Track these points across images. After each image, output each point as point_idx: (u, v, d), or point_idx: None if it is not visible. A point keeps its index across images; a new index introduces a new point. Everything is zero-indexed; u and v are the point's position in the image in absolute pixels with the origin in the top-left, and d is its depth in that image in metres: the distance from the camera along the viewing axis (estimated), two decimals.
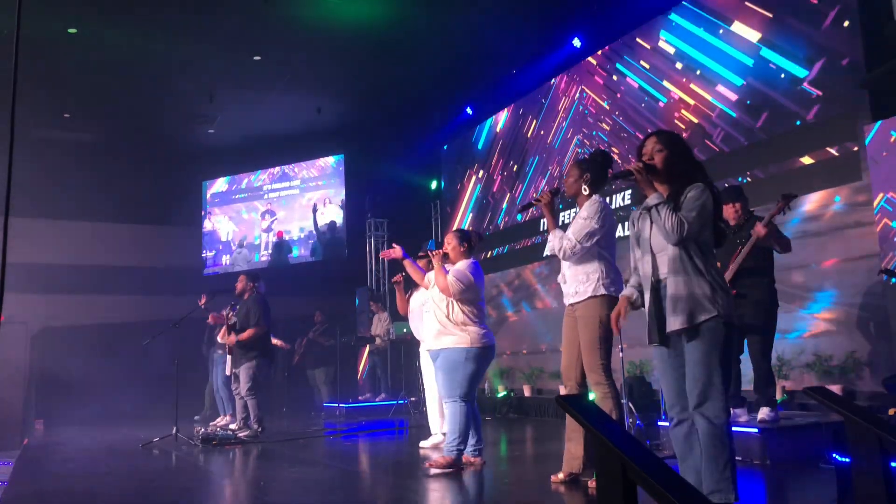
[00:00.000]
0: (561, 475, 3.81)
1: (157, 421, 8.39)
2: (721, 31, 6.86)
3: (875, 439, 2.54)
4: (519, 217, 9.94)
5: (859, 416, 2.64)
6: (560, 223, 3.88)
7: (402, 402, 9.22)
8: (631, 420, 5.27)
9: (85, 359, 10.66)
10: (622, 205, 7.95)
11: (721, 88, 6.90)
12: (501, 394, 9.23)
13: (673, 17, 7.48)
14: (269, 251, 12.85)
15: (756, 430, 4.38)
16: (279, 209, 12.89)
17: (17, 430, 10.12)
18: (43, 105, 9.79)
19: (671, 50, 7.51)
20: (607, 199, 6.24)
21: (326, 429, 7.88)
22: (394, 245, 5.08)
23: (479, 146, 11.08)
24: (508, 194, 10.26)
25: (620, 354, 5.10)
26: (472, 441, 4.60)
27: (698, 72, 7.14)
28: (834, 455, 2.90)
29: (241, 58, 9.13)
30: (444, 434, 5.06)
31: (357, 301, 11.97)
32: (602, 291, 3.69)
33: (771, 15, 6.40)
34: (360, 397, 10.40)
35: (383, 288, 11.96)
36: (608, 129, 8.42)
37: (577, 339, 3.77)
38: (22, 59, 2.07)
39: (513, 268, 9.98)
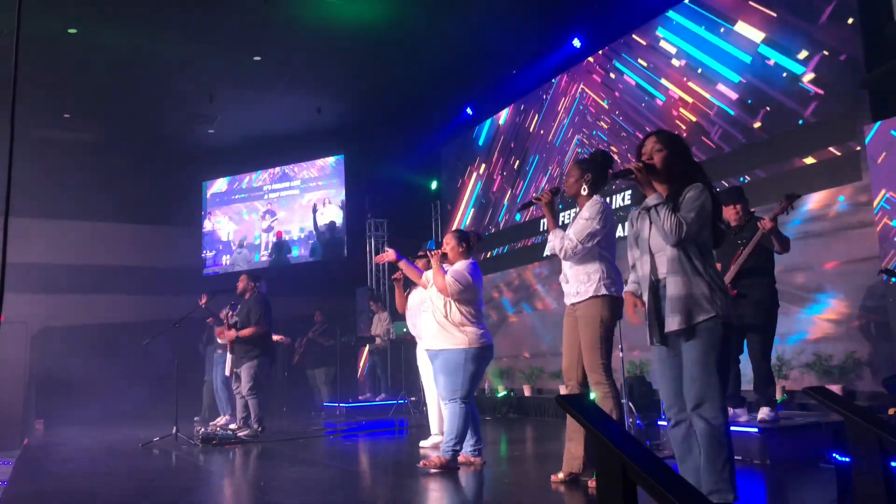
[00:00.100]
0: (561, 475, 3.81)
1: (157, 421, 8.39)
2: (722, 30, 6.86)
3: (875, 439, 2.54)
4: (518, 217, 9.94)
5: (859, 416, 2.64)
6: (559, 223, 3.87)
7: (402, 401, 9.23)
8: (631, 420, 5.27)
9: (85, 359, 10.66)
10: (622, 205, 7.95)
11: (721, 87, 6.90)
12: (501, 394, 9.23)
13: (673, 15, 7.48)
14: (269, 251, 12.85)
15: (756, 429, 4.38)
16: (279, 209, 12.90)
17: (17, 430, 10.13)
18: (43, 105, 9.79)
19: (672, 49, 7.51)
20: (607, 200, 6.24)
21: (326, 428, 7.88)
22: (386, 249, 5.10)
23: (480, 142, 11.08)
24: (509, 192, 10.26)
25: (620, 354, 5.10)
26: (471, 441, 4.60)
27: (699, 70, 7.14)
28: (834, 455, 2.90)
29: (241, 58, 9.13)
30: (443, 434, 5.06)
31: (357, 301, 11.98)
32: (603, 291, 3.69)
33: (773, 14, 6.40)
34: (360, 397, 10.40)
35: (383, 288, 11.96)
36: (608, 128, 8.42)
37: (578, 338, 3.77)
38: (22, 59, 2.07)
39: (513, 268, 9.98)
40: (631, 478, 1.79)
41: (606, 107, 8.46)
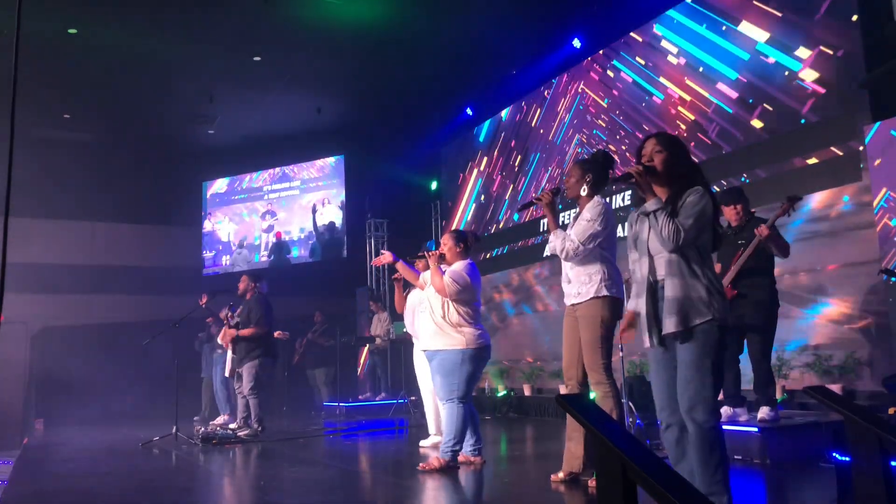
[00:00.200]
0: (561, 474, 3.81)
1: (157, 421, 8.40)
2: (724, 28, 6.86)
3: (875, 439, 2.54)
4: (516, 217, 9.94)
5: (859, 415, 2.64)
6: (560, 223, 3.87)
7: (402, 401, 9.23)
8: (631, 420, 5.27)
9: (85, 359, 10.66)
10: (622, 205, 7.95)
11: (721, 86, 6.91)
12: (501, 393, 9.23)
13: (674, 14, 7.49)
14: (269, 252, 12.86)
15: (756, 429, 4.38)
16: (279, 210, 12.90)
17: (17, 430, 10.14)
18: (43, 105, 9.79)
19: (672, 48, 7.52)
20: (607, 200, 6.24)
21: (326, 428, 7.88)
22: (382, 252, 5.10)
23: (481, 138, 11.06)
24: (509, 192, 10.25)
25: (620, 354, 5.10)
26: (471, 440, 4.60)
27: (700, 69, 7.14)
28: (834, 455, 2.90)
29: (241, 58, 9.13)
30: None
31: (357, 301, 11.99)
32: (604, 293, 3.69)
33: (777, 13, 6.39)
34: (359, 396, 10.41)
35: (383, 288, 11.96)
36: (609, 127, 8.42)
37: (578, 338, 3.77)
38: (22, 59, 2.07)
39: (513, 268, 9.98)
40: (631, 478, 1.79)
41: (606, 106, 8.47)
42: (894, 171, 5.17)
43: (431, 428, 5.86)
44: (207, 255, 13.22)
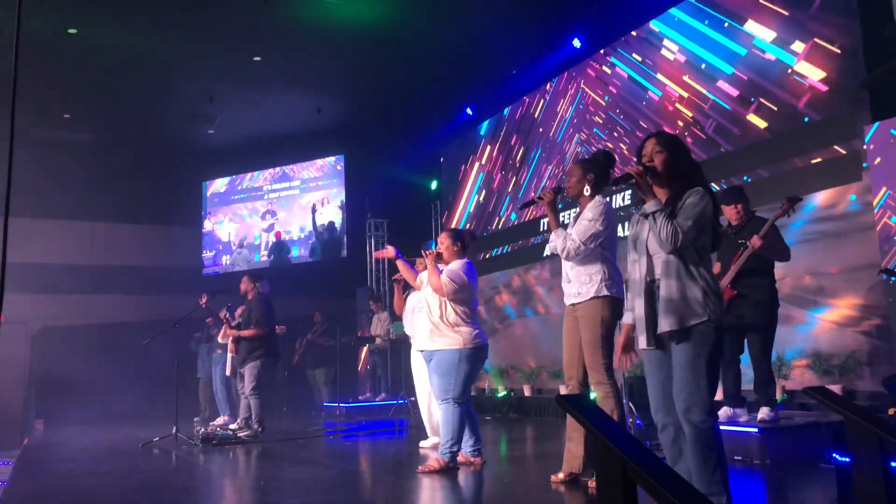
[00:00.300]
0: (561, 475, 3.81)
1: (157, 421, 8.40)
2: (726, 25, 6.86)
3: (875, 439, 2.54)
4: (513, 217, 9.93)
5: (859, 416, 2.63)
6: (560, 223, 3.86)
7: (402, 401, 9.23)
8: (631, 420, 5.26)
9: (85, 359, 10.67)
10: (622, 205, 7.95)
11: (719, 82, 6.91)
12: (501, 394, 9.23)
13: (675, 12, 7.49)
14: (269, 251, 12.86)
15: (756, 430, 4.37)
16: (279, 209, 12.90)
17: (17, 430, 10.15)
18: (43, 105, 9.79)
19: (673, 46, 7.53)
20: (608, 200, 6.24)
21: (326, 429, 7.88)
22: (387, 245, 5.09)
23: (482, 132, 11.03)
24: (510, 191, 10.25)
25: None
26: (470, 441, 4.60)
27: (702, 66, 7.14)
28: (834, 455, 2.90)
29: (241, 58, 9.14)
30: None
31: (357, 301, 11.99)
32: (605, 293, 3.69)
33: (771, 6, 6.40)
34: (360, 397, 10.41)
35: (383, 288, 11.96)
36: (609, 126, 8.42)
37: (579, 338, 3.77)
38: (22, 59, 2.07)
39: (513, 268, 9.98)
40: (631, 478, 1.79)
41: (605, 104, 8.47)
42: (894, 170, 5.17)
43: (428, 430, 5.86)
44: (207, 254, 13.22)
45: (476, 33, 8.68)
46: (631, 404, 5.32)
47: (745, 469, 4.15)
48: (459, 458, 4.52)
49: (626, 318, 3.02)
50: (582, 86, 8.93)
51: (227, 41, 8.70)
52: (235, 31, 8.43)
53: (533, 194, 9.30)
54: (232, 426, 7.29)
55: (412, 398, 9.27)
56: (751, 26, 6.62)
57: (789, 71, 6.23)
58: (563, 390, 4.12)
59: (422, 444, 5.77)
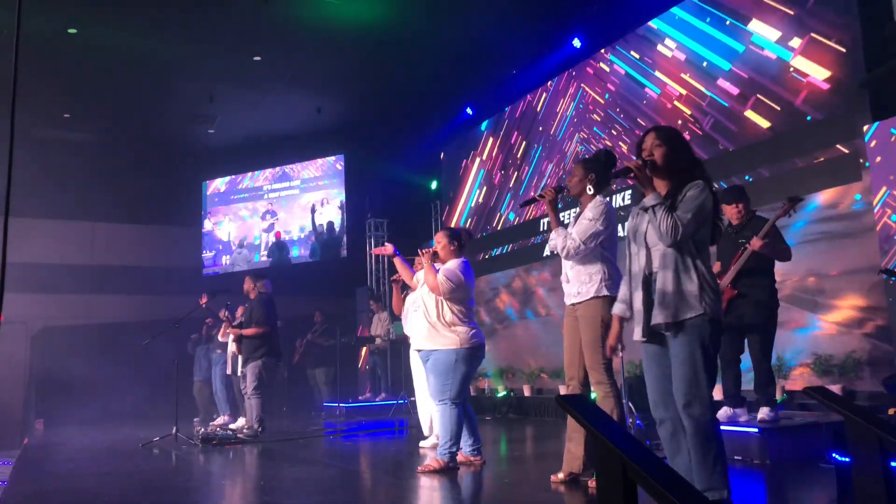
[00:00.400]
0: (561, 475, 3.81)
1: (157, 421, 8.40)
2: (728, 23, 6.86)
3: (875, 439, 2.54)
4: (511, 216, 9.93)
5: (859, 416, 2.63)
6: (561, 222, 3.86)
7: (402, 401, 9.23)
8: (631, 420, 5.26)
9: (85, 359, 10.67)
10: (622, 205, 7.95)
11: (718, 79, 6.92)
12: (501, 394, 9.23)
13: (676, 11, 7.50)
14: (269, 251, 12.86)
15: (756, 430, 4.37)
16: (279, 209, 12.90)
17: (17, 430, 10.15)
18: (43, 105, 9.80)
19: (671, 43, 7.53)
20: (609, 199, 6.25)
21: (326, 428, 7.88)
22: (386, 244, 5.10)
23: (483, 127, 11.03)
24: (513, 180, 10.24)
25: (621, 354, 5.09)
26: (469, 441, 4.59)
27: (704, 63, 7.14)
28: (834, 455, 2.89)
29: (241, 58, 9.14)
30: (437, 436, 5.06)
31: (357, 301, 11.98)
32: (605, 292, 3.68)
33: (770, 2, 6.40)
34: (359, 397, 10.40)
35: (383, 288, 11.96)
36: (609, 126, 8.43)
37: (579, 338, 3.77)
38: (22, 59, 2.07)
39: (513, 268, 9.97)
40: (631, 478, 1.79)
41: (604, 102, 8.48)
42: (894, 170, 5.17)
43: (426, 429, 5.86)
44: (207, 254, 13.22)
45: (476, 33, 8.68)
46: (631, 404, 5.32)
47: (745, 469, 4.15)
48: (459, 458, 4.52)
49: (616, 309, 3.03)
50: (582, 85, 8.93)
51: (227, 41, 8.70)
52: (235, 31, 8.44)
53: (533, 193, 9.32)
54: (232, 426, 7.29)
55: (412, 398, 9.29)
56: (750, 24, 6.62)
57: (791, 70, 6.22)
58: (563, 390, 4.12)
59: (422, 444, 5.77)
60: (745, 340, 4.63)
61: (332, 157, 12.51)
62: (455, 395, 4.42)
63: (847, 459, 2.72)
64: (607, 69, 8.46)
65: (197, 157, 12.62)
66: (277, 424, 8.39)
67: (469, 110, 10.97)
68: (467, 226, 10.92)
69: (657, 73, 7.68)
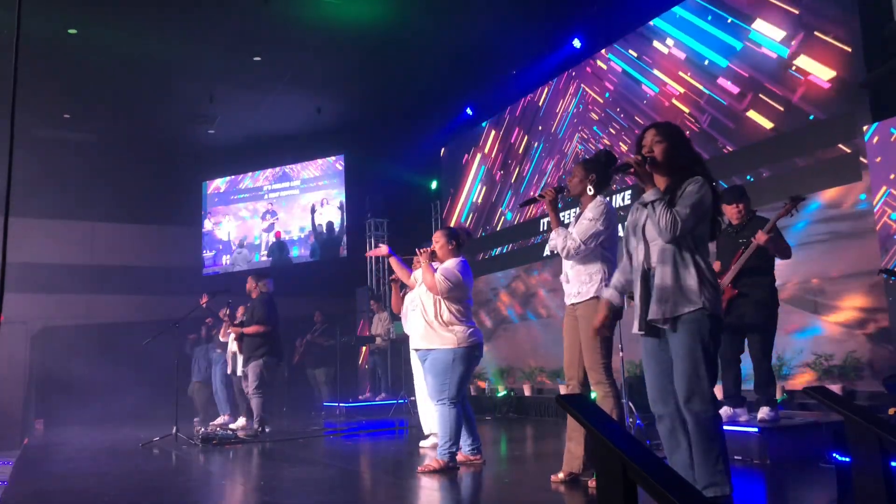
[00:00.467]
0: (561, 475, 3.81)
1: (157, 421, 8.40)
2: (729, 21, 6.86)
3: (875, 439, 2.54)
4: (509, 216, 9.92)
5: (859, 415, 2.63)
6: (561, 221, 3.87)
7: (402, 401, 9.23)
8: (631, 420, 5.26)
9: (85, 359, 10.66)
10: (622, 204, 7.95)
11: (721, 80, 6.92)
12: (501, 394, 9.23)
13: (677, 10, 7.50)
14: (269, 251, 12.86)
15: (756, 429, 4.37)
16: (279, 209, 12.91)
17: (17, 430, 10.15)
18: (43, 105, 9.80)
19: (669, 41, 7.54)
20: (609, 199, 6.26)
21: (326, 428, 7.88)
22: (380, 244, 5.10)
23: (484, 124, 11.02)
24: (515, 176, 10.24)
25: (620, 354, 5.10)
26: (468, 441, 4.59)
27: (706, 62, 7.14)
28: (834, 455, 2.89)
29: (241, 58, 9.14)
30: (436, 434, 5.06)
31: (357, 301, 11.98)
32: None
33: (780, 5, 6.40)
34: (360, 396, 10.40)
35: (383, 288, 11.97)
36: (610, 125, 8.43)
37: (579, 338, 3.77)
38: (22, 59, 2.07)
39: (513, 268, 9.97)
40: (631, 478, 1.79)
41: (604, 101, 8.48)
42: (894, 169, 5.17)
43: (426, 429, 5.86)
44: (207, 254, 13.22)
45: (476, 33, 8.68)
46: (631, 404, 5.32)
47: (745, 469, 4.15)
48: (459, 458, 4.52)
49: (605, 293, 3.05)
50: (582, 85, 8.93)
51: (227, 41, 8.70)
52: (235, 31, 8.44)
53: (534, 191, 9.32)
54: (232, 426, 7.29)
55: (412, 398, 9.29)
56: (750, 22, 6.62)
57: (793, 68, 6.22)
58: (563, 390, 4.12)
59: (422, 443, 5.77)
60: (746, 340, 4.64)
61: (332, 157, 12.51)
62: (453, 395, 4.41)
63: (847, 459, 2.72)
64: (604, 67, 8.47)
65: (197, 157, 12.62)
66: (277, 424, 8.38)
67: (469, 111, 10.96)
68: (467, 223, 10.93)
69: (655, 72, 7.69)
